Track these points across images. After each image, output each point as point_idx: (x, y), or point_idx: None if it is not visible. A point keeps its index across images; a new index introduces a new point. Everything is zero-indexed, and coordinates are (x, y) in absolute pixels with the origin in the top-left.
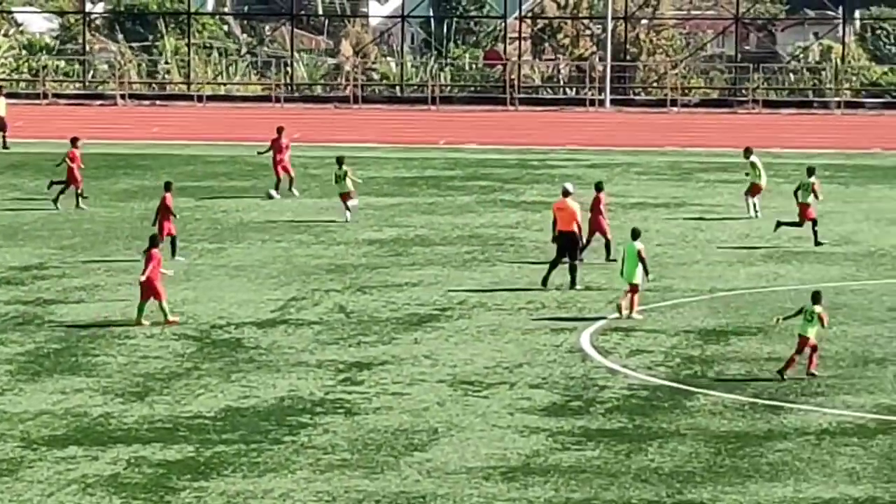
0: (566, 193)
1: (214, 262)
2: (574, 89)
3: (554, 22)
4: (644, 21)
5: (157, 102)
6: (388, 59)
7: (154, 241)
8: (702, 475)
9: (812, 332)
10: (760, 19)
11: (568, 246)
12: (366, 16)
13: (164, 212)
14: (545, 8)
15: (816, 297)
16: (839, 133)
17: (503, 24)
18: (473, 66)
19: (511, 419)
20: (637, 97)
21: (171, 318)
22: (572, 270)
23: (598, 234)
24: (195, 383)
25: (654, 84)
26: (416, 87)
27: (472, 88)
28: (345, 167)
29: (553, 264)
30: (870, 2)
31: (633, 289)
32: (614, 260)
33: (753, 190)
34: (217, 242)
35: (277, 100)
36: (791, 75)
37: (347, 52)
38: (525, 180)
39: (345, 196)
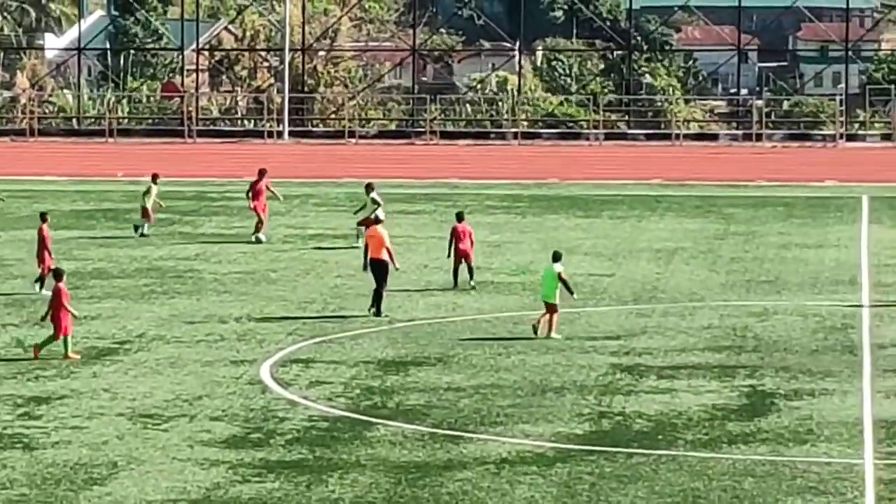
0: (377, 221)
1: None
2: (252, 121)
3: (231, 54)
4: (322, 52)
5: None
6: (65, 91)
7: (58, 275)
8: None
9: None
10: (437, 51)
11: (378, 273)
12: (42, 48)
13: (42, 244)
14: (222, 40)
15: None
16: (516, 163)
17: (181, 56)
18: (151, 98)
19: (191, 452)
20: (315, 129)
21: (71, 353)
22: (378, 298)
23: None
24: None
25: (333, 115)
26: (93, 120)
27: (150, 121)
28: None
29: (378, 294)
30: (545, 34)
31: (552, 309)
32: (474, 288)
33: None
34: None
35: None
36: (468, 106)
37: (24, 84)
38: (203, 213)
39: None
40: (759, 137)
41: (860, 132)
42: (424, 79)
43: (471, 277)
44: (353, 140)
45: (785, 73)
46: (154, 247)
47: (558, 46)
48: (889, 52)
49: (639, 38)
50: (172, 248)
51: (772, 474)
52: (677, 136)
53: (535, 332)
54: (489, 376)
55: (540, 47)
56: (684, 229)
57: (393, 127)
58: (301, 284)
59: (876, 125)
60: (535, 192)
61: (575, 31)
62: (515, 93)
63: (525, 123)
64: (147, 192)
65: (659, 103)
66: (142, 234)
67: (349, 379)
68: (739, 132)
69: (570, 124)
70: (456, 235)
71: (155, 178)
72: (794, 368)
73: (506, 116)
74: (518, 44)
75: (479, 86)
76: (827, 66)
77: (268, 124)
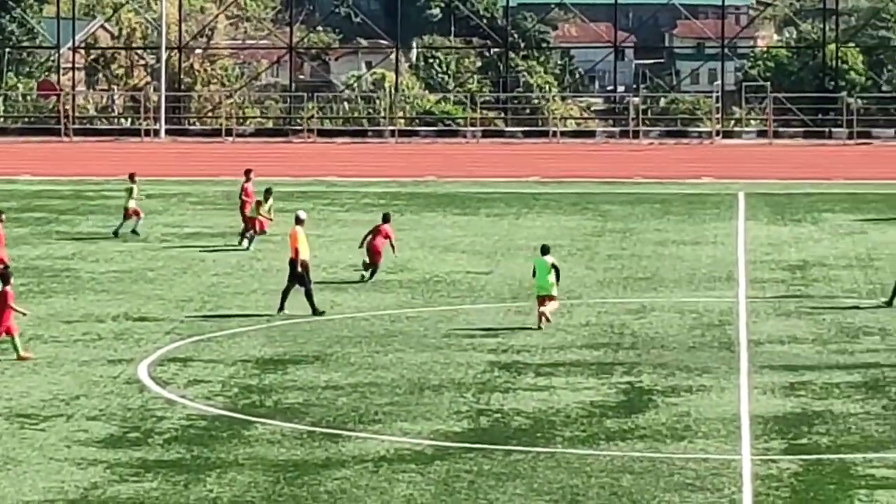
0: (298, 221)
1: None
2: (129, 119)
3: (108, 52)
4: (198, 50)
5: None
6: None
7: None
8: None
9: None
10: (314, 49)
11: (298, 272)
12: None
13: None
14: (98, 38)
15: None
16: (394, 161)
17: (56, 55)
18: (27, 96)
19: (69, 452)
20: (192, 127)
21: (23, 353)
22: (308, 296)
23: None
24: None
25: (210, 114)
26: None
27: (27, 119)
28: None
29: (285, 292)
30: (423, 31)
31: (550, 298)
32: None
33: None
34: None
35: None
36: (346, 104)
37: None
38: (80, 211)
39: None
40: (635, 135)
41: (736, 129)
42: (302, 77)
43: (371, 276)
44: (231, 138)
45: (661, 71)
46: (30, 246)
47: (435, 44)
48: (764, 49)
49: (516, 35)
50: (49, 247)
51: (650, 471)
52: (554, 133)
53: (540, 324)
54: (367, 374)
55: (417, 45)
56: (561, 227)
57: (270, 125)
58: (178, 283)
59: (752, 122)
60: (413, 189)
61: (452, 28)
62: (393, 91)
63: (402, 121)
64: (130, 192)
65: (536, 101)
66: (133, 231)
67: (227, 378)
68: (616, 129)
69: (448, 122)
70: (377, 232)
71: (132, 176)
72: (672, 365)
73: (383, 114)
74: (395, 41)
75: (356, 84)
76: (703, 64)
77: (144, 123)
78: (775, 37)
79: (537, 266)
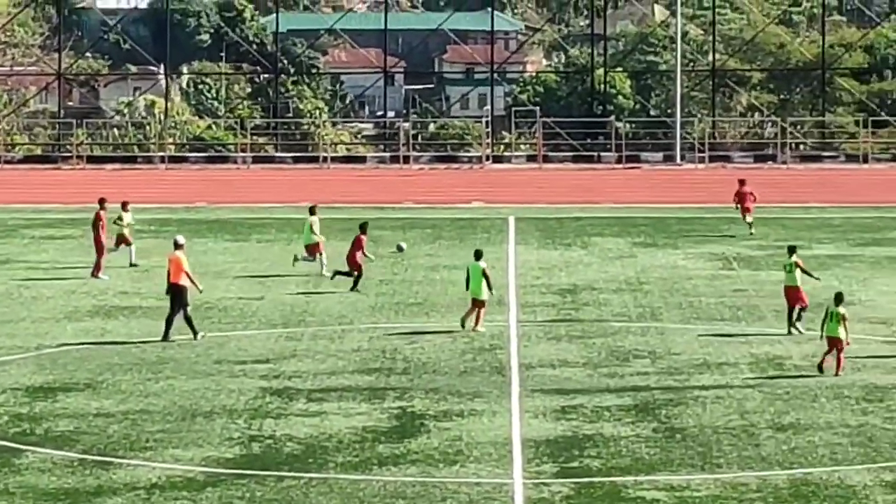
0: (177, 245)
1: None
2: None
3: None
4: None
5: None
6: None
7: None
8: None
9: (841, 333)
10: (83, 75)
11: (177, 297)
12: None
13: None
14: None
15: (839, 298)
16: (164, 187)
17: None
18: None
19: None
20: None
21: None
22: (188, 321)
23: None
24: None
25: None
26: None
27: None
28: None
29: (168, 320)
30: (192, 57)
31: (480, 304)
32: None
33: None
34: None
35: None
36: (116, 130)
37: None
38: None
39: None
40: (406, 160)
41: (506, 154)
42: (70, 103)
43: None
44: None
45: (431, 96)
46: None
47: (205, 70)
48: (533, 74)
49: (286, 61)
50: None
51: (422, 495)
52: (325, 159)
53: (463, 326)
54: (139, 402)
55: (187, 71)
56: (333, 252)
57: (39, 152)
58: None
59: (521, 147)
60: (184, 215)
61: (223, 54)
62: (163, 117)
63: (173, 147)
64: (119, 219)
65: (306, 126)
66: (131, 264)
67: None
68: (387, 155)
69: (219, 148)
70: (357, 243)
71: (125, 205)
72: (444, 389)
73: (153, 140)
74: (165, 67)
75: (126, 109)
76: (473, 89)
77: None
78: (544, 62)
79: (471, 271)
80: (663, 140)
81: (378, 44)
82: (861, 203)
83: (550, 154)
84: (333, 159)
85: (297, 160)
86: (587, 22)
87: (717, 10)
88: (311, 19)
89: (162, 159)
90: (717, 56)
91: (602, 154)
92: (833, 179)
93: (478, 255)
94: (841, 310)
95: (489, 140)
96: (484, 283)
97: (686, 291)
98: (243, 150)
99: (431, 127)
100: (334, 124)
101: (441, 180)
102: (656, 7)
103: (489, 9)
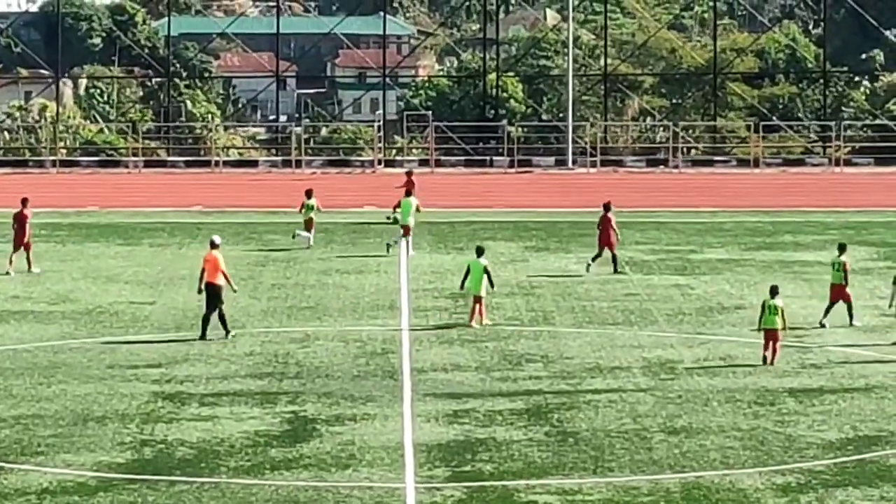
0: (213, 245)
1: None
2: None
3: None
4: None
5: None
6: None
7: None
8: None
9: (779, 324)
10: None
11: (214, 296)
12: None
13: None
14: None
15: (774, 291)
16: (55, 191)
17: None
18: None
19: None
20: None
21: None
22: (221, 320)
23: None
24: None
25: None
26: None
27: None
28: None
29: (205, 319)
30: (85, 61)
31: (479, 300)
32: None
33: None
34: None
35: None
36: (6, 134)
37: None
38: None
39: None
40: (298, 164)
41: (398, 158)
42: None
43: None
44: None
45: (324, 100)
46: None
47: (97, 74)
48: (426, 78)
49: (178, 65)
50: None
51: (315, 500)
52: (217, 163)
53: (472, 324)
54: (30, 406)
55: (79, 75)
56: (225, 255)
57: None
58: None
59: (414, 151)
60: (75, 220)
61: (115, 58)
62: (54, 121)
63: (64, 151)
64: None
65: (199, 130)
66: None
67: None
68: (279, 159)
69: (110, 152)
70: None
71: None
72: (336, 394)
73: (44, 144)
74: (56, 71)
75: (17, 113)
76: (365, 93)
77: None
78: (437, 66)
79: (472, 267)
80: (555, 144)
81: (270, 48)
82: (752, 207)
83: (443, 158)
84: (225, 163)
85: (189, 164)
86: (479, 26)
87: (608, 14)
88: (203, 23)
89: (53, 163)
90: (609, 61)
91: (494, 158)
92: (724, 184)
93: (479, 251)
94: (778, 302)
95: (381, 144)
96: (485, 279)
97: (578, 295)
98: (135, 154)
99: (324, 131)
100: (226, 128)
101: (333, 184)
102: (548, 11)
103: (381, 13)
